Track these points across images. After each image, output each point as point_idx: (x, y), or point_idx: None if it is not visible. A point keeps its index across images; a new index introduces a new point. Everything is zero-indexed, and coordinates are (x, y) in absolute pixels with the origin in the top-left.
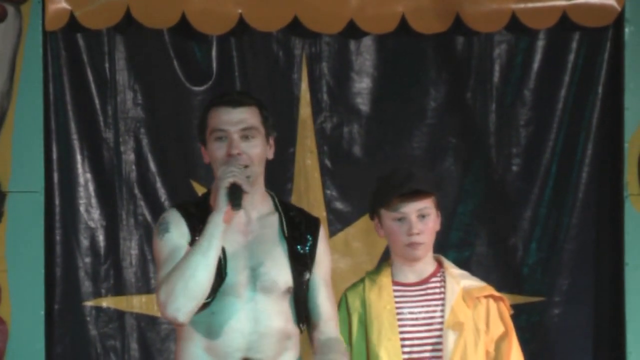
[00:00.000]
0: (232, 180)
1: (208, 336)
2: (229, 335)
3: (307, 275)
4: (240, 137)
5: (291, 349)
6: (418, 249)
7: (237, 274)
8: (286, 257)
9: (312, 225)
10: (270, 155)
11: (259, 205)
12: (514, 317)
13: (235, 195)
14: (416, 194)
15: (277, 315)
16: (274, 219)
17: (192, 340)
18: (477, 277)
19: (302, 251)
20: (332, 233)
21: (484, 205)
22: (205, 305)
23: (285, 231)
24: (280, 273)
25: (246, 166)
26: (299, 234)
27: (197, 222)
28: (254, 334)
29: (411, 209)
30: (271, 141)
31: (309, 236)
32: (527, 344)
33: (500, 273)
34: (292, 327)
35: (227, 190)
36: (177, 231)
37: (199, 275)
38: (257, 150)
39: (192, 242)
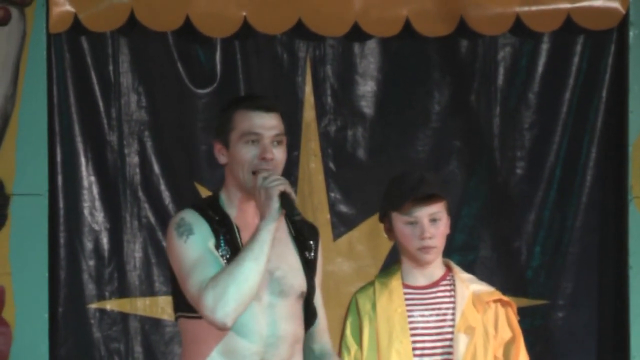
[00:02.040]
0: (282, 188)
1: (226, 339)
2: (248, 338)
3: (314, 281)
4: (271, 142)
5: (298, 352)
6: (430, 252)
7: None
8: (299, 261)
9: (313, 232)
10: None
11: None
12: (518, 321)
13: (290, 204)
14: (429, 198)
15: (292, 319)
16: (282, 224)
17: (206, 343)
18: (481, 281)
19: (309, 256)
20: (336, 236)
21: (488, 208)
22: None
23: (294, 235)
24: (296, 277)
25: (274, 171)
26: (303, 239)
27: (217, 224)
28: (272, 338)
29: (424, 213)
30: None
31: (311, 242)
32: (531, 347)
33: (504, 276)
34: (302, 332)
35: (280, 199)
36: (201, 233)
37: (252, 281)
38: (284, 156)
39: (217, 246)
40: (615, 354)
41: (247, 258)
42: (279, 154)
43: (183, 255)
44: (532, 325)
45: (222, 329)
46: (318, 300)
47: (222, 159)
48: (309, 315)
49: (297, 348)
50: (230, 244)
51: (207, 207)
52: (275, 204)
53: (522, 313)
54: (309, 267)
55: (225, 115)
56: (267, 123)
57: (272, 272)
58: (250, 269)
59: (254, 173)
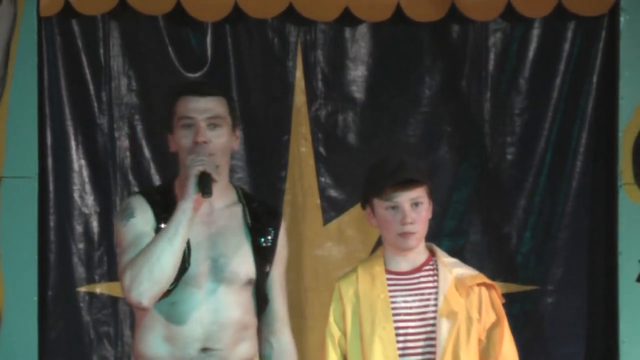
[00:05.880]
0: (201, 168)
1: (168, 326)
2: (188, 325)
3: (268, 268)
4: (207, 125)
5: (249, 339)
6: (411, 238)
7: (199, 265)
8: (250, 248)
9: (274, 217)
10: (236, 146)
11: (222, 196)
12: (508, 305)
13: (205, 183)
14: (409, 183)
15: (237, 306)
16: (238, 210)
17: (151, 328)
18: (471, 266)
19: (264, 244)
20: (326, 221)
21: (478, 194)
22: (167, 294)
23: (249, 222)
24: (242, 264)
25: (211, 154)
26: (261, 226)
27: (162, 209)
28: (214, 325)
29: (405, 198)
30: (237, 132)
31: (270, 229)
32: (520, 332)
33: (494, 261)
34: (251, 318)
35: (197, 179)
36: (142, 217)
37: (164, 261)
38: (223, 139)
39: (157, 230)
40: (605, 339)
41: (161, 238)
42: (216, 137)
43: (121, 238)
44: (521, 310)
45: (140, 309)
46: (276, 289)
47: (171, 146)
48: (260, 302)
49: (246, 334)
50: None
51: (157, 192)
52: (192, 183)
53: (512, 298)
54: (262, 255)
55: (169, 103)
56: (201, 106)
57: (216, 259)
58: (163, 249)
59: None
